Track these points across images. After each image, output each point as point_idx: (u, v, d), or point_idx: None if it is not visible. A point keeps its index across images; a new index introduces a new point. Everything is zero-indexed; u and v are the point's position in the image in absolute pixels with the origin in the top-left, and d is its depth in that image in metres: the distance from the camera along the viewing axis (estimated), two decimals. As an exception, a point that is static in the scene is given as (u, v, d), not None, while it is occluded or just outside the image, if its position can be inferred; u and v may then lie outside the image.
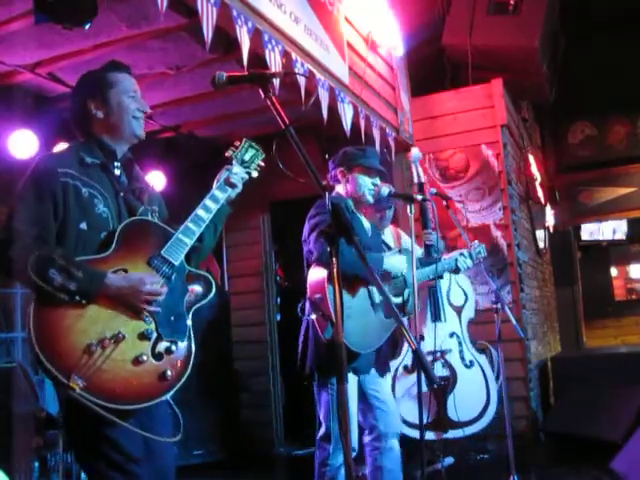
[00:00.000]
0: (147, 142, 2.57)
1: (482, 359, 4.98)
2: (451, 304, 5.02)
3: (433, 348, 4.71)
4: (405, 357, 4.88)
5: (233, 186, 2.54)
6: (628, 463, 4.55)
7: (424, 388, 4.48)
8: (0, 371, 4.65)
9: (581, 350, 10.05)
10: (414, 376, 4.83)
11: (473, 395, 4.82)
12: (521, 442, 5.31)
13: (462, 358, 4.94)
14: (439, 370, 4.78)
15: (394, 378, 4.78)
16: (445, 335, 4.89)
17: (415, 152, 3.82)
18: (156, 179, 5.68)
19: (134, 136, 2.50)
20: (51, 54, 4.13)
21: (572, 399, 6.07)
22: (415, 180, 4.23)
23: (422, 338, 4.81)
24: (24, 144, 4.55)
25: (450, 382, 4.81)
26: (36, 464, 4.54)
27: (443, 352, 4.79)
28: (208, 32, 3.34)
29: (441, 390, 4.72)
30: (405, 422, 4.76)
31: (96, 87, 2.46)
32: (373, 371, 3.46)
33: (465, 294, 5.16)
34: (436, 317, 4.86)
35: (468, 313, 5.15)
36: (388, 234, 4.59)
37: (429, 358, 4.77)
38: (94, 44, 4.00)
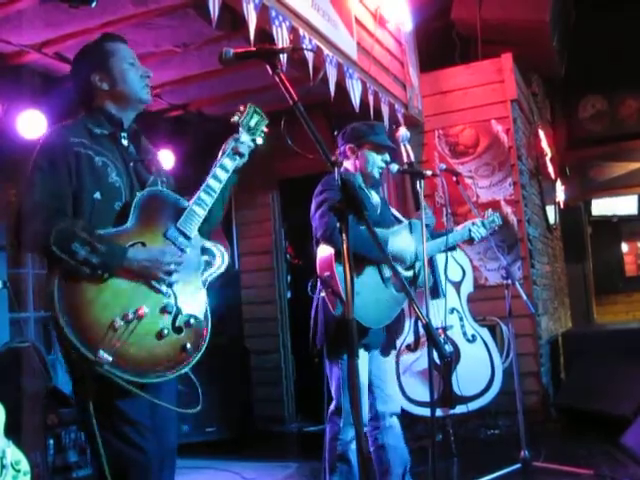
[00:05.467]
0: (155, 120, 2.58)
1: (484, 333, 4.97)
2: (449, 280, 5.01)
3: (434, 326, 4.72)
4: (407, 335, 4.88)
5: (241, 155, 2.54)
6: (638, 438, 4.56)
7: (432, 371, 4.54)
8: (13, 351, 4.69)
9: (592, 326, 10.04)
10: (415, 354, 4.84)
11: (477, 370, 4.83)
12: (532, 417, 5.33)
13: (464, 333, 4.95)
14: None
15: (397, 356, 4.79)
16: (446, 311, 4.88)
17: (403, 131, 3.81)
18: (165, 158, 5.67)
19: (140, 101, 2.50)
20: (58, 33, 4.11)
21: (583, 374, 6.08)
22: (405, 159, 4.22)
23: None
24: (32, 124, 4.54)
25: (453, 359, 4.81)
26: (51, 442, 4.59)
27: (444, 328, 4.78)
28: (214, 9, 3.32)
29: (446, 367, 4.73)
30: (409, 399, 4.78)
31: (97, 59, 2.45)
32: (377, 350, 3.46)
33: (462, 269, 5.15)
34: (435, 294, 4.85)
35: (467, 288, 5.15)
36: None
37: None
38: (101, 23, 3.97)
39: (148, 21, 4.00)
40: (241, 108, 2.64)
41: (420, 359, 4.82)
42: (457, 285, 5.10)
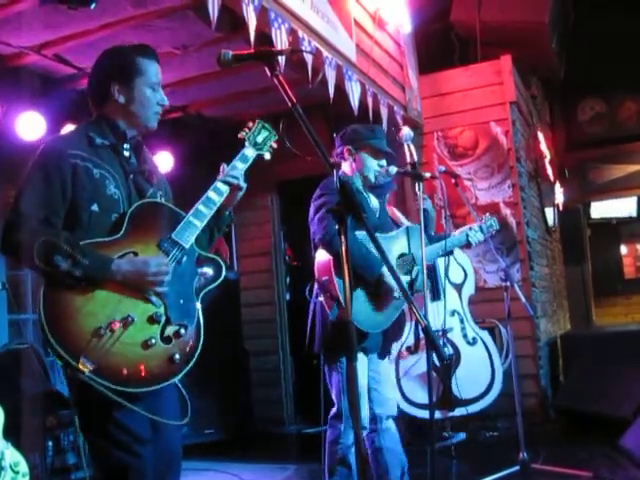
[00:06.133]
0: (154, 122, 2.56)
1: (485, 335, 4.96)
2: (450, 282, 4.99)
3: (433, 327, 4.72)
4: (407, 338, 4.87)
5: (230, 185, 2.50)
6: (637, 440, 4.56)
7: (432, 373, 4.53)
8: (12, 352, 4.68)
9: (591, 328, 10.04)
10: (415, 357, 4.84)
11: (477, 372, 4.82)
12: (531, 419, 5.33)
13: (464, 336, 4.93)
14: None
15: (396, 359, 4.78)
16: (446, 313, 4.87)
17: (407, 131, 3.80)
18: (164, 159, 5.67)
19: (147, 127, 2.48)
20: (57, 35, 4.11)
21: (582, 376, 6.08)
22: (408, 159, 4.20)
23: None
24: (32, 126, 4.54)
25: (453, 360, 4.80)
26: (50, 443, 4.59)
27: (445, 331, 4.78)
28: (214, 10, 3.32)
29: (445, 369, 4.73)
30: (409, 402, 4.78)
31: (123, 71, 2.41)
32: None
33: (464, 271, 5.14)
34: (435, 296, 4.85)
35: (468, 290, 5.12)
36: None
37: None
38: (100, 24, 3.97)
39: (147, 23, 4.00)
40: (249, 124, 2.64)
41: (420, 362, 4.81)
42: (459, 287, 5.08)
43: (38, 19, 3.83)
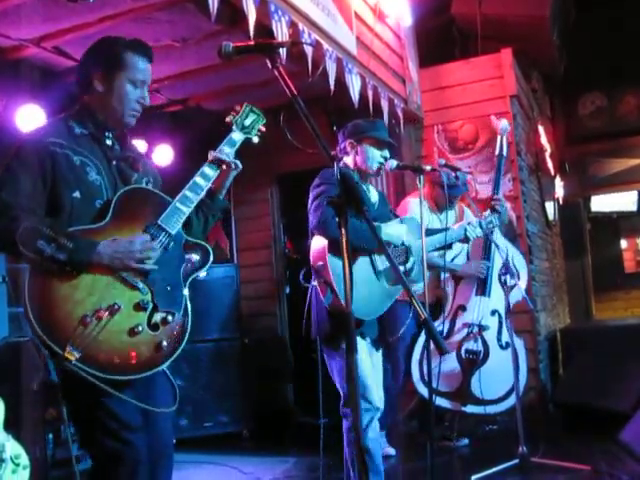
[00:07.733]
0: (154, 115, 2.56)
1: (519, 343, 4.85)
2: (502, 282, 4.93)
3: (471, 320, 4.77)
4: (442, 325, 4.82)
5: (220, 164, 2.50)
6: (636, 434, 4.56)
7: (455, 363, 4.63)
8: (12, 345, 4.69)
9: (590, 322, 10.06)
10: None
11: (502, 376, 4.70)
12: (530, 413, 5.33)
13: (499, 339, 4.85)
14: (471, 344, 4.77)
15: (420, 358, 4.74)
16: (487, 311, 4.86)
17: (504, 124, 3.74)
18: (163, 153, 5.66)
19: (121, 122, 2.45)
20: (56, 28, 4.10)
21: (581, 370, 6.08)
22: (497, 152, 4.10)
23: (464, 309, 4.84)
24: (31, 119, 4.53)
25: (480, 359, 4.77)
26: (50, 436, 4.60)
27: (481, 327, 4.79)
28: (214, 3, 3.32)
29: (469, 364, 4.72)
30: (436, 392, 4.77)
31: (107, 61, 2.40)
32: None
33: (519, 276, 5.05)
34: (482, 291, 4.84)
35: (516, 295, 5.00)
36: (451, 214, 4.75)
37: (464, 331, 4.79)
38: (99, 17, 3.96)
39: (147, 15, 4.00)
40: (237, 107, 2.63)
41: (445, 359, 4.73)
42: (509, 289, 4.94)
43: (37, 12, 3.82)
